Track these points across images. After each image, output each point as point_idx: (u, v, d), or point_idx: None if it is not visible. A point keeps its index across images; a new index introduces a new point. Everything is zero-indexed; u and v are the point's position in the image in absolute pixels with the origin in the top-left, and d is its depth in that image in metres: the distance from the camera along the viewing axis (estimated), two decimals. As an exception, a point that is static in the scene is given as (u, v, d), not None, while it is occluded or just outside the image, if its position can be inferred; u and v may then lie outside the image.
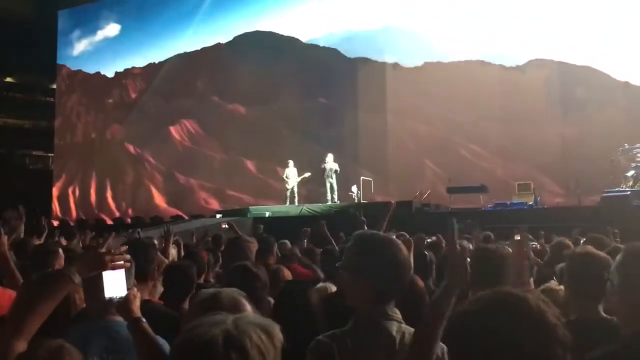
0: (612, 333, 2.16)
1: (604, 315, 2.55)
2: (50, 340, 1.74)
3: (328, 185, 19.20)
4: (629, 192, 15.04)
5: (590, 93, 21.62)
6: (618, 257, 2.13)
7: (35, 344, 1.77)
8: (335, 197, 19.35)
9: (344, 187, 20.07)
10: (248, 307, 2.01)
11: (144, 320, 2.18)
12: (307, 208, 19.20)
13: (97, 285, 2.12)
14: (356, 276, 2.04)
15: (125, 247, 2.34)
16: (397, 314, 2.03)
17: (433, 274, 4.75)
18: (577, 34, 23.58)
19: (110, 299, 2.15)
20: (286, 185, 19.98)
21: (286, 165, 20.50)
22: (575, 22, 23.88)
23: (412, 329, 2.00)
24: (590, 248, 2.97)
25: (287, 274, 4.19)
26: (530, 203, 16.73)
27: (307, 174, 19.84)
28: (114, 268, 2.11)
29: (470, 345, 1.24)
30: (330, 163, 19.04)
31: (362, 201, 19.48)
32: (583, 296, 2.62)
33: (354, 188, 19.99)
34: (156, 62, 33.27)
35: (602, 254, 2.81)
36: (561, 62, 23.33)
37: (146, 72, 33.79)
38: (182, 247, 7.13)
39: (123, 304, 2.20)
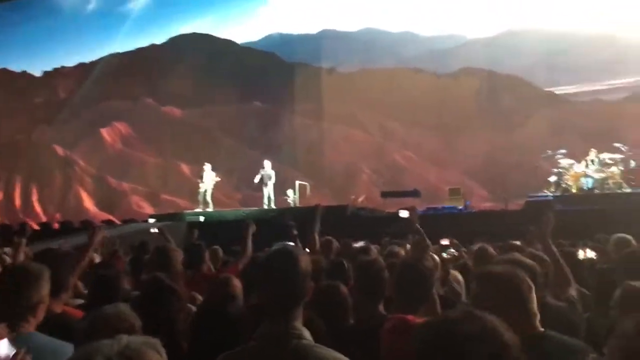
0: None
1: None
2: None
3: (266, 192, 19.01)
4: (551, 197, 15.75)
5: (517, 101, 22.59)
6: (475, 277, 2.31)
7: None
8: (272, 204, 19.19)
9: (280, 191, 20.04)
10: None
11: None
12: (243, 212, 19.03)
13: None
14: (257, 291, 2.05)
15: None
16: (297, 329, 1.98)
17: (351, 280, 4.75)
18: (505, 43, 24.53)
19: None
20: (199, 187, 19.45)
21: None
22: (503, 31, 24.84)
23: (311, 344, 1.98)
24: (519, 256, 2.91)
25: (237, 283, 4.08)
26: (461, 207, 17.19)
27: (218, 178, 19.45)
28: None
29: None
30: (268, 170, 18.86)
31: (297, 205, 19.49)
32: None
33: (290, 192, 19.98)
34: (87, 61, 32.23)
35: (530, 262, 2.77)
36: (491, 71, 24.24)
37: (77, 72, 32.66)
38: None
39: None
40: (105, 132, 30.18)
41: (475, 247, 5.47)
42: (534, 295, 2.16)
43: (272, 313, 2.02)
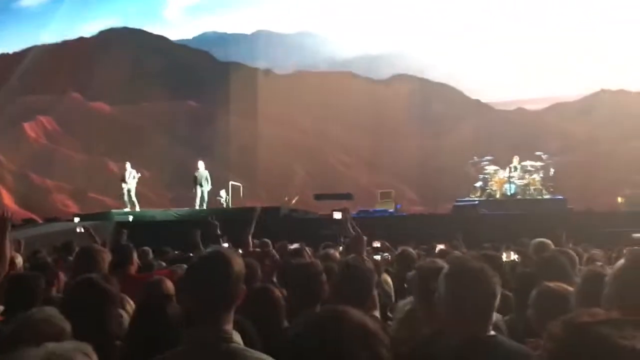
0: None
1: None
2: None
3: (199, 192, 18.67)
4: (477, 202, 16.35)
5: (446, 109, 23.37)
6: (445, 269, 2.23)
7: None
8: (205, 205, 18.86)
9: (212, 192, 19.78)
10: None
11: None
12: (174, 212, 18.65)
13: None
14: (183, 293, 2.02)
15: None
16: (228, 333, 1.97)
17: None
18: (437, 51, 25.29)
19: None
20: (122, 187, 18.87)
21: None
22: (435, 39, 25.59)
23: (242, 348, 1.98)
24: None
25: (170, 286, 4.00)
26: (391, 210, 17.53)
27: (139, 174, 18.98)
28: None
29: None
30: (202, 170, 18.54)
31: (230, 206, 19.28)
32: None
33: (223, 193, 19.74)
34: (10, 52, 30.70)
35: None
36: (422, 79, 24.94)
37: (-2, 63, 31.01)
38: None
39: None
40: (28, 127, 28.81)
41: (399, 250, 5.62)
42: (497, 301, 2.14)
43: (202, 316, 1.99)
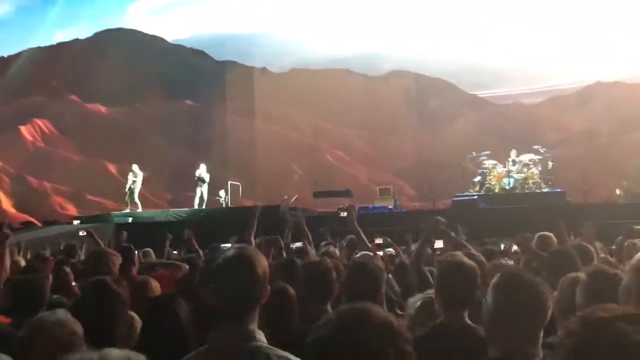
0: (474, 339, 2.29)
1: (469, 322, 2.51)
2: None
3: (199, 193, 18.72)
4: (475, 196, 16.38)
5: (442, 104, 23.41)
6: (494, 279, 2.14)
7: None
8: (204, 205, 18.89)
9: (211, 192, 19.78)
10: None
11: None
12: (173, 213, 18.64)
13: None
14: (207, 293, 2.01)
15: None
16: (253, 332, 1.98)
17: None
18: (433, 47, 25.35)
19: None
20: (128, 189, 18.82)
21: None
22: (431, 34, 25.63)
23: (267, 346, 1.98)
24: (460, 257, 2.84)
25: (155, 286, 4.02)
26: (391, 207, 17.57)
27: (140, 172, 18.96)
28: None
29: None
30: (203, 172, 18.59)
31: (229, 206, 19.29)
32: (451, 303, 2.54)
33: (222, 192, 19.74)
34: (5, 55, 30.62)
35: (471, 263, 2.71)
36: (418, 74, 24.97)
37: (-8, 66, 30.91)
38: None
39: None
40: (24, 129, 28.74)
41: (413, 246, 5.61)
42: (547, 319, 2.01)
43: (227, 316, 2.00)
